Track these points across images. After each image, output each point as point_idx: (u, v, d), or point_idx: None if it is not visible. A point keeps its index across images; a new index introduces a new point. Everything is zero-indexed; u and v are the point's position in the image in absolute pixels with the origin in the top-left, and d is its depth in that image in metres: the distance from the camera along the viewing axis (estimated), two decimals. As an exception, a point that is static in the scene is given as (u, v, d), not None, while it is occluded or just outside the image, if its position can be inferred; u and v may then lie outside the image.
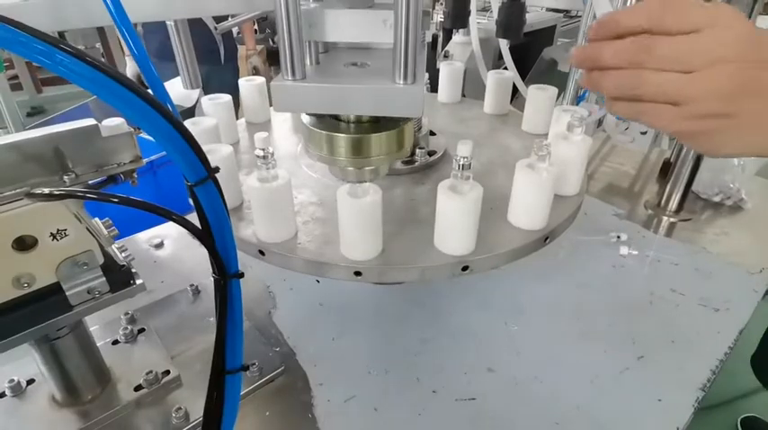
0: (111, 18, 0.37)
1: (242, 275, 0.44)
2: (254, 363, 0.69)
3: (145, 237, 1.01)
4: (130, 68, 2.41)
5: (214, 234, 0.42)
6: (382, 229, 0.58)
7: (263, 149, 0.55)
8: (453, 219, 0.56)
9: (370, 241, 0.57)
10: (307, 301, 0.84)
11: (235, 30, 3.05)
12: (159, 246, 0.97)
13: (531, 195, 0.60)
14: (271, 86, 0.43)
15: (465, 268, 0.58)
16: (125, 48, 2.41)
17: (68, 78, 0.31)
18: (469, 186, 0.55)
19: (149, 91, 0.37)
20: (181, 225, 0.41)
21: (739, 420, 1.74)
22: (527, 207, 0.61)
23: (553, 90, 0.86)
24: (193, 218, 0.41)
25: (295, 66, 0.41)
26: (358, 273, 0.57)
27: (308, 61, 0.46)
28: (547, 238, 0.62)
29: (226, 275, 0.43)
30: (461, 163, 0.53)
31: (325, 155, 0.50)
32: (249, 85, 0.92)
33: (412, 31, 0.39)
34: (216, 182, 0.40)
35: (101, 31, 3.78)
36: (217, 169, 0.40)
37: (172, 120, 0.35)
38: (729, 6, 0.39)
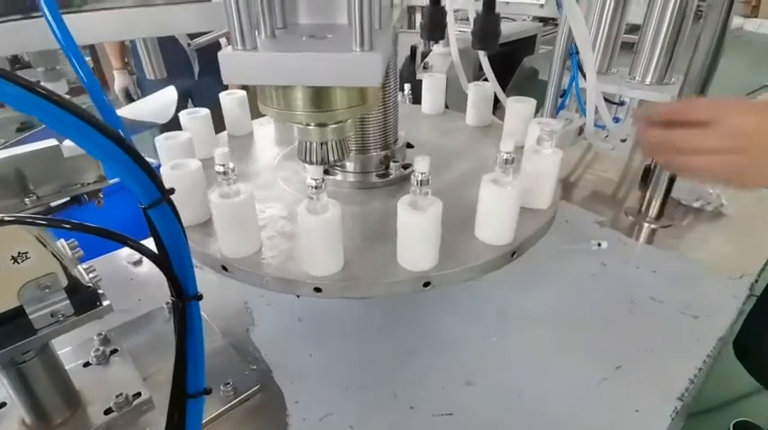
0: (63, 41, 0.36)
1: (201, 297, 0.43)
2: (229, 382, 0.68)
3: (124, 254, 1.00)
4: (118, 82, 2.39)
5: (171, 256, 0.41)
6: (345, 244, 0.57)
7: (223, 165, 0.55)
8: (413, 234, 0.55)
9: (330, 257, 0.56)
10: (285, 317, 0.84)
11: (224, 42, 3.05)
12: (138, 263, 0.97)
13: (496, 210, 0.59)
14: (219, 56, 0.40)
15: (426, 284, 0.57)
16: (113, 61, 2.40)
17: (2, 101, 0.31)
18: (429, 202, 0.54)
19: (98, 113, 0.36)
20: (135, 249, 0.41)
21: (732, 424, 1.73)
22: (492, 221, 0.60)
23: (532, 102, 0.86)
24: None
25: (245, 34, 0.39)
26: (318, 290, 0.57)
27: (263, 35, 0.44)
28: (514, 253, 0.62)
29: (184, 298, 0.42)
30: (419, 179, 0.52)
31: (282, 109, 0.47)
32: (230, 98, 0.92)
33: None
34: (171, 203, 0.39)
35: (92, 47, 3.78)
36: (171, 190, 0.39)
37: (119, 142, 0.34)
38: (730, 100, 0.56)
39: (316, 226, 0.54)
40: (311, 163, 0.52)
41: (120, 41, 2.43)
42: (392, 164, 0.75)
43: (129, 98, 2.40)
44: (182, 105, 0.88)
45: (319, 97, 0.46)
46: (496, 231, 0.61)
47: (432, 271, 0.57)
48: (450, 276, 0.57)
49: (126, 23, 0.44)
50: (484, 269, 0.59)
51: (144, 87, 2.39)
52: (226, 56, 0.40)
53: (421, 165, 0.52)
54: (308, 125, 0.48)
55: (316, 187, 0.52)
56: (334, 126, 0.49)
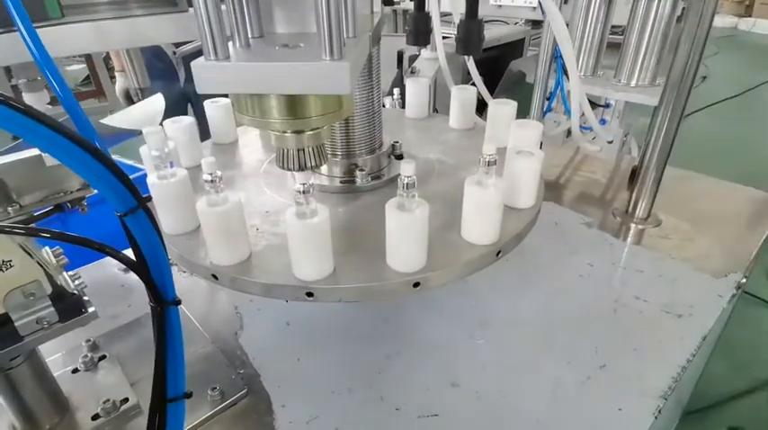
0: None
1: (179, 302, 0.44)
2: (216, 387, 0.69)
3: (114, 261, 1.00)
4: (119, 84, 2.38)
5: (149, 262, 0.42)
6: (337, 248, 0.58)
7: (211, 174, 0.56)
8: (402, 236, 0.56)
9: (319, 261, 0.57)
10: (274, 321, 0.84)
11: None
12: (128, 269, 0.97)
13: (480, 211, 0.60)
14: (191, 66, 0.41)
15: (416, 285, 0.58)
16: (116, 63, 2.38)
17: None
18: (416, 204, 0.55)
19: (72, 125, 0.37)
20: (113, 257, 0.42)
21: (725, 430, 1.73)
22: (477, 222, 0.61)
23: (513, 104, 0.87)
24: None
25: (216, 45, 0.40)
26: (310, 294, 0.57)
27: (237, 44, 0.45)
28: (499, 253, 0.63)
29: (162, 303, 0.43)
30: (406, 182, 0.54)
31: (258, 118, 0.48)
32: (214, 106, 0.93)
33: (334, 3, 0.38)
34: (147, 210, 0.40)
35: (87, 55, 3.80)
36: (148, 198, 0.40)
37: (94, 152, 0.35)
38: None
39: (305, 231, 0.54)
40: (289, 169, 0.52)
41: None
42: (358, 172, 0.75)
43: (130, 100, 2.39)
44: (182, 110, 0.89)
45: (294, 105, 0.46)
46: (481, 231, 0.62)
47: (420, 272, 0.58)
48: (437, 276, 0.58)
49: (103, 35, 0.44)
50: (471, 268, 0.60)
51: (144, 89, 2.37)
52: (198, 66, 0.41)
53: (407, 169, 0.53)
54: (285, 133, 0.49)
55: (303, 192, 0.53)
56: (311, 133, 0.50)
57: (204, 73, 0.41)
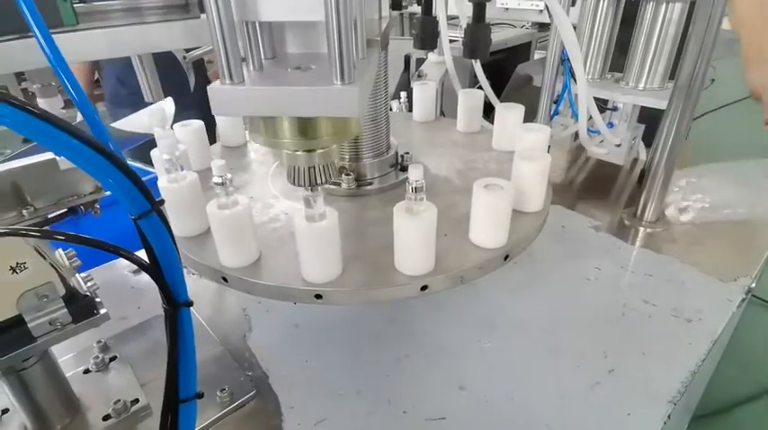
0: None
1: (191, 304, 0.45)
2: (225, 388, 0.69)
3: (124, 262, 1.01)
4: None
5: (161, 265, 0.43)
6: (345, 250, 0.59)
7: (221, 176, 0.56)
8: (410, 239, 0.57)
9: (328, 264, 0.57)
10: (282, 323, 0.85)
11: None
12: (137, 271, 0.98)
13: (489, 214, 0.60)
14: (207, 90, 0.42)
15: (424, 288, 0.58)
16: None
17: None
18: (424, 207, 0.56)
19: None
20: (127, 259, 0.43)
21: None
22: (485, 226, 0.62)
23: (520, 108, 0.87)
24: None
25: (232, 70, 0.41)
26: (318, 296, 0.58)
27: (251, 67, 0.46)
28: (507, 256, 0.63)
29: (175, 304, 0.44)
30: (414, 186, 0.54)
31: (270, 138, 0.49)
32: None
33: (344, 32, 0.39)
34: (160, 214, 0.41)
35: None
36: (161, 201, 0.41)
37: (107, 155, 0.36)
38: None
39: (313, 233, 0.55)
40: (300, 185, 0.53)
41: (88, 72, 2.42)
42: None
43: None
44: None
45: (305, 126, 0.48)
46: (490, 235, 0.63)
47: (428, 275, 0.59)
48: (445, 280, 0.59)
49: (115, 42, 0.45)
50: (478, 272, 0.61)
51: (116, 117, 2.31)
52: (214, 90, 0.42)
53: (415, 174, 0.53)
54: (296, 151, 0.50)
55: (312, 195, 0.54)
56: (321, 151, 0.51)
57: (220, 96, 0.42)
